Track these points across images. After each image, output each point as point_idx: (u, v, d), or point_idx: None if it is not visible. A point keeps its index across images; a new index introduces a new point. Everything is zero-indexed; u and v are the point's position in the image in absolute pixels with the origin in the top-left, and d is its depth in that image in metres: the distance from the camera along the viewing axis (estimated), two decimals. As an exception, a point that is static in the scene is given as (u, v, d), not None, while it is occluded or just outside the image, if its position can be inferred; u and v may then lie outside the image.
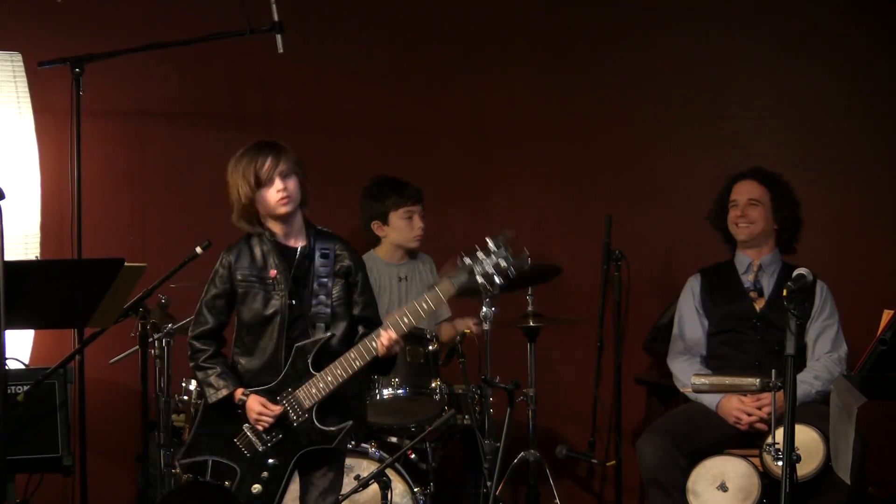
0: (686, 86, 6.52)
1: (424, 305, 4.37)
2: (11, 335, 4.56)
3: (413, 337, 5.32)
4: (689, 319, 5.62)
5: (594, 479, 6.44)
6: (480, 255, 4.27)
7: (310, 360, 4.49)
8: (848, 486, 4.67)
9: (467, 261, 4.29)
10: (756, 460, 5.15)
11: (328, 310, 4.55)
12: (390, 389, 5.23)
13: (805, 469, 4.96)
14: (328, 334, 4.53)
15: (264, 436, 4.53)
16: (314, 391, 4.48)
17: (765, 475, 5.11)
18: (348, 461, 4.99)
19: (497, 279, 4.25)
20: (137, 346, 5.14)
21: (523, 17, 6.52)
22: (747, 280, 5.58)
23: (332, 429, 4.50)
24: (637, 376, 6.26)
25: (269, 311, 4.54)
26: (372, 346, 4.41)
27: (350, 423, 4.55)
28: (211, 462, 4.58)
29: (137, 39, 5.75)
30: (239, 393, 4.52)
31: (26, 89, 5.67)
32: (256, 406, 4.50)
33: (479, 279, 4.24)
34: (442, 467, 5.51)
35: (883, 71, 6.49)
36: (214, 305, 4.60)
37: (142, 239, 6.08)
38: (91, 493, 5.50)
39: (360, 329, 4.58)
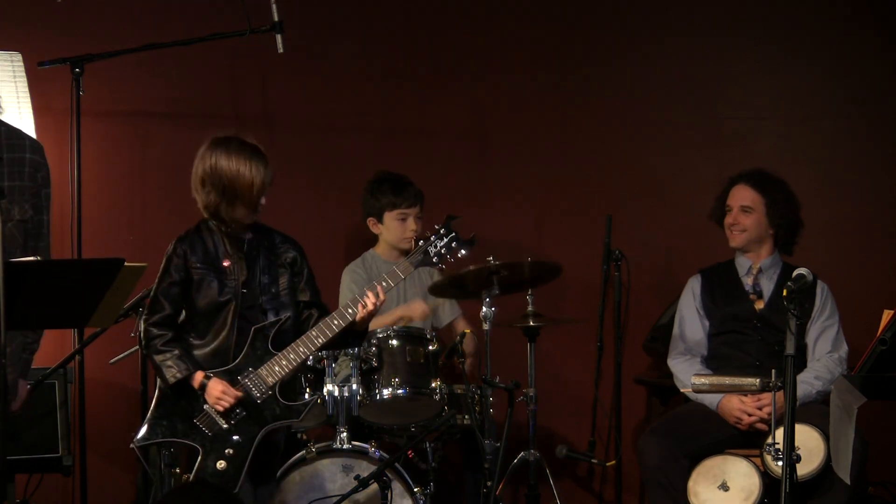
0: (686, 86, 6.52)
1: (384, 283, 4.75)
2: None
3: (413, 337, 5.33)
4: (690, 320, 5.61)
5: (594, 479, 6.44)
6: (433, 238, 4.80)
7: (269, 341, 4.68)
8: (848, 486, 4.67)
9: (421, 243, 4.81)
10: (757, 460, 5.15)
11: (277, 298, 4.77)
12: (390, 389, 5.23)
13: (805, 468, 4.96)
14: (286, 315, 4.75)
15: (228, 413, 4.64)
16: (277, 368, 4.67)
17: (766, 475, 5.11)
18: (348, 461, 5.00)
19: (449, 258, 4.83)
20: (137, 346, 5.15)
21: (523, 17, 6.52)
22: (747, 283, 5.58)
23: (298, 403, 4.72)
24: (637, 376, 6.26)
25: (224, 297, 4.72)
26: (334, 323, 4.68)
27: (316, 396, 4.87)
28: (170, 443, 4.75)
29: (137, 39, 5.75)
30: (200, 376, 4.67)
31: (26, 89, 5.67)
32: (218, 387, 4.64)
33: (434, 259, 4.79)
34: (442, 467, 5.51)
35: (883, 71, 6.49)
36: (170, 293, 4.74)
37: (142, 239, 6.08)
38: (91, 493, 5.50)
39: (315, 312, 4.82)
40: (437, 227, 4.83)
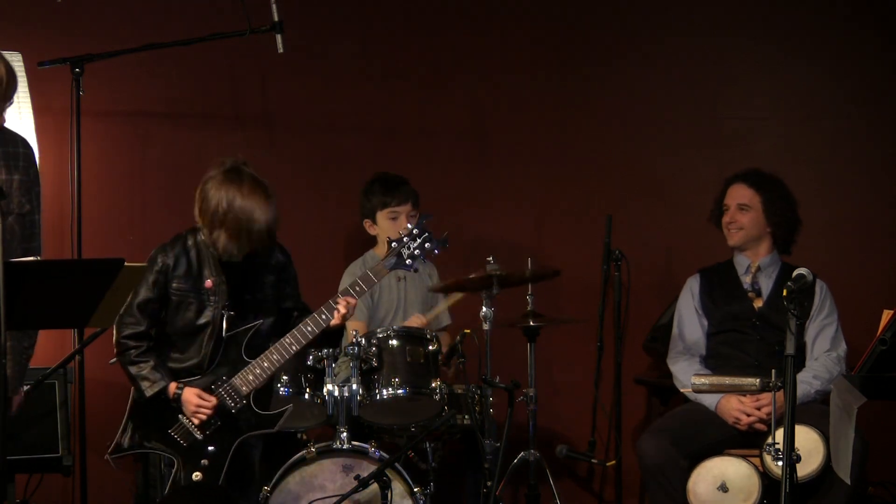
0: (686, 86, 6.52)
1: (357, 287, 4.78)
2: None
3: (413, 337, 5.33)
4: (689, 320, 5.61)
5: (594, 479, 6.44)
6: (406, 239, 4.80)
7: (242, 349, 4.68)
8: (848, 486, 4.67)
9: (394, 245, 4.80)
10: (756, 460, 5.15)
11: (259, 301, 4.78)
12: (390, 389, 5.23)
13: (805, 469, 4.96)
14: (258, 321, 4.74)
15: (203, 424, 4.65)
16: (251, 377, 4.68)
17: (765, 475, 5.11)
18: (349, 461, 5.00)
19: (423, 259, 4.85)
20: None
21: (523, 17, 6.51)
22: (746, 281, 5.58)
23: (273, 412, 4.73)
24: (637, 376, 6.26)
25: (202, 321, 4.73)
26: (321, 318, 4.68)
27: (290, 406, 4.80)
28: (149, 453, 4.81)
29: (137, 39, 5.75)
30: (174, 387, 4.67)
31: (26, 89, 5.67)
32: (194, 399, 4.65)
33: (408, 261, 4.80)
34: (442, 467, 5.51)
35: (883, 71, 6.49)
36: (147, 308, 4.74)
37: (142, 239, 6.08)
38: (91, 493, 5.50)
39: (295, 313, 4.84)
40: (409, 226, 4.84)
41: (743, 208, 5.55)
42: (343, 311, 4.67)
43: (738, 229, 5.56)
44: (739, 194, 5.58)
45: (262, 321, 4.75)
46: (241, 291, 4.77)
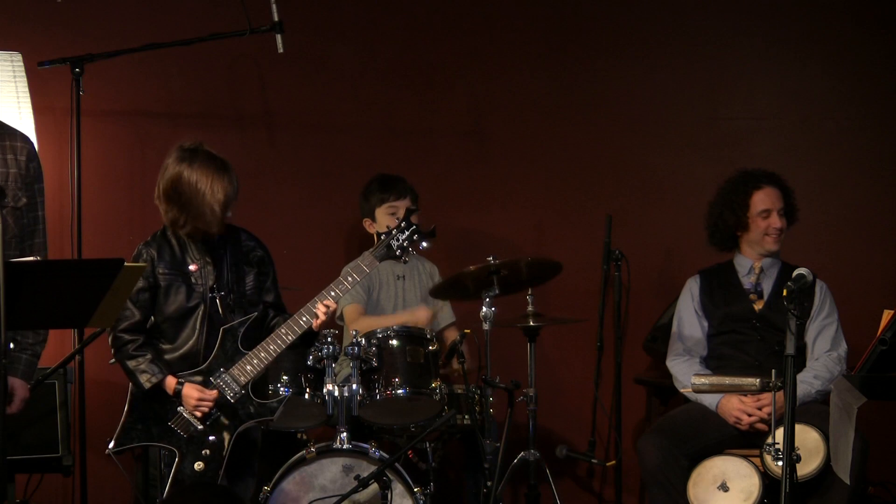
0: (686, 86, 6.52)
1: (350, 278, 4.85)
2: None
3: (413, 337, 5.33)
4: (689, 320, 5.61)
5: (594, 479, 6.44)
6: (395, 231, 4.86)
7: (239, 340, 4.76)
8: (848, 486, 4.67)
9: (383, 237, 4.87)
10: (756, 460, 5.15)
11: (244, 297, 4.85)
12: (390, 389, 5.23)
13: (805, 469, 4.96)
14: (253, 314, 4.83)
15: (203, 415, 4.73)
16: (249, 368, 4.75)
17: (765, 475, 5.11)
18: (349, 461, 5.00)
19: (411, 250, 4.88)
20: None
21: (523, 17, 6.51)
22: (748, 282, 5.57)
23: (271, 401, 4.81)
24: (637, 376, 6.26)
25: (193, 302, 4.80)
26: (302, 320, 4.74)
27: (289, 393, 4.92)
28: (149, 447, 4.88)
29: (137, 39, 5.75)
30: (174, 382, 4.74)
31: (26, 89, 5.67)
32: (195, 393, 4.71)
33: (397, 252, 4.86)
34: (442, 467, 5.51)
35: (883, 71, 6.49)
36: (139, 299, 4.80)
37: (141, 239, 6.06)
38: (91, 493, 5.50)
39: (271, 312, 4.93)
40: (396, 219, 4.96)
41: (781, 212, 5.52)
42: (322, 317, 4.76)
43: (780, 232, 5.52)
44: (775, 198, 5.51)
45: (255, 313, 4.84)
46: (226, 283, 4.82)
